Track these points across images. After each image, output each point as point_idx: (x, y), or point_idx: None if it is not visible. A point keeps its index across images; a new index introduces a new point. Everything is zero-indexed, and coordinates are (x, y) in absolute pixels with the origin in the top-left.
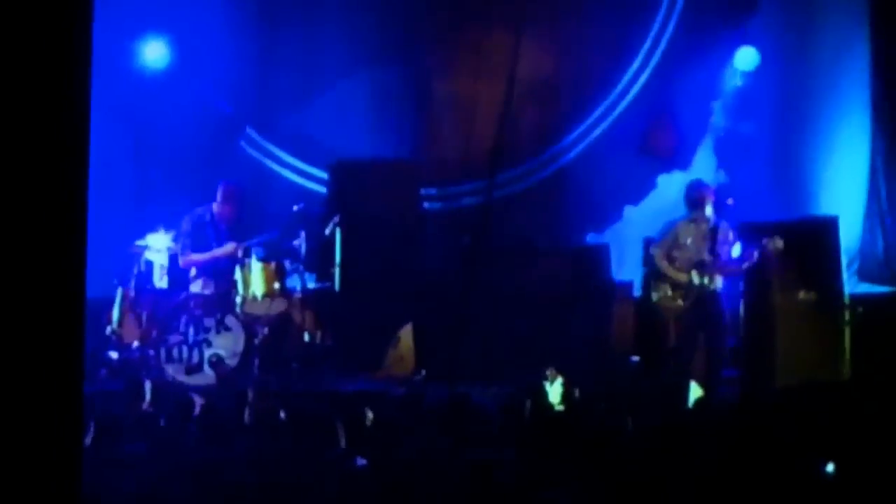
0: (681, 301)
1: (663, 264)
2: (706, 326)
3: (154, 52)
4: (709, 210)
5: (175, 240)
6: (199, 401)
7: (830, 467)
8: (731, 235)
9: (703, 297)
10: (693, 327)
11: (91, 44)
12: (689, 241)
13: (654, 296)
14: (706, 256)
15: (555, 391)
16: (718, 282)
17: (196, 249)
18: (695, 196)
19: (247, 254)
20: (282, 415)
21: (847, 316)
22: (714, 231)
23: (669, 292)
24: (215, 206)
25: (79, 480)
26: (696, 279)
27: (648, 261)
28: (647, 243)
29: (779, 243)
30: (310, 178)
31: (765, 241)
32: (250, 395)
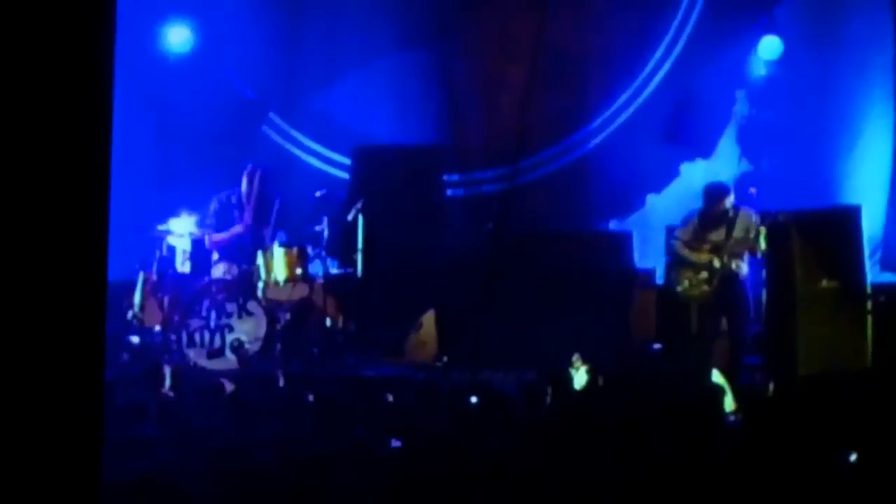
0: (706, 287)
1: (685, 251)
2: (730, 310)
3: (178, 36)
4: (727, 212)
5: (200, 222)
6: (227, 385)
7: (853, 457)
8: (753, 220)
9: (726, 281)
10: (718, 312)
11: (115, 27)
12: (711, 231)
13: (679, 285)
14: (723, 242)
15: (580, 378)
16: (742, 265)
17: (220, 230)
18: (713, 199)
19: (270, 237)
20: (307, 399)
21: (869, 305)
22: (734, 218)
23: (694, 279)
24: (242, 188)
25: (99, 464)
26: (717, 263)
27: (670, 250)
28: (670, 231)
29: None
30: (333, 163)
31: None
32: (279, 378)
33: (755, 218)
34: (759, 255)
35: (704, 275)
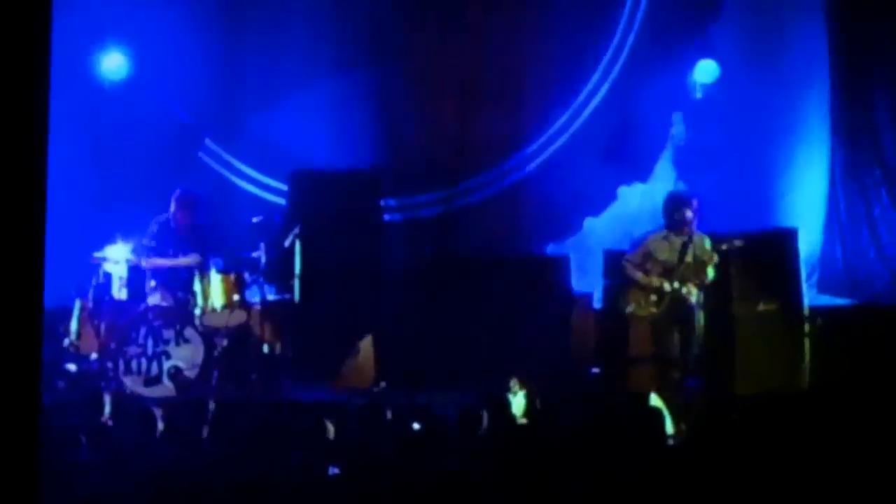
0: (654, 309)
1: (637, 274)
2: (678, 332)
3: (113, 62)
4: (688, 221)
5: (137, 247)
6: (159, 413)
7: (790, 477)
8: (706, 245)
9: (674, 303)
10: (666, 334)
11: (49, 53)
12: (662, 255)
13: (628, 307)
14: (675, 266)
15: (518, 403)
16: (693, 289)
17: (157, 254)
18: (673, 208)
19: (205, 266)
20: (245, 424)
21: (807, 327)
22: (687, 244)
23: (643, 301)
24: (171, 213)
25: (38, 492)
26: (667, 286)
27: (620, 272)
28: (607, 255)
29: (737, 243)
30: (269, 189)
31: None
32: (210, 406)
33: (708, 244)
34: (704, 285)
35: (654, 297)
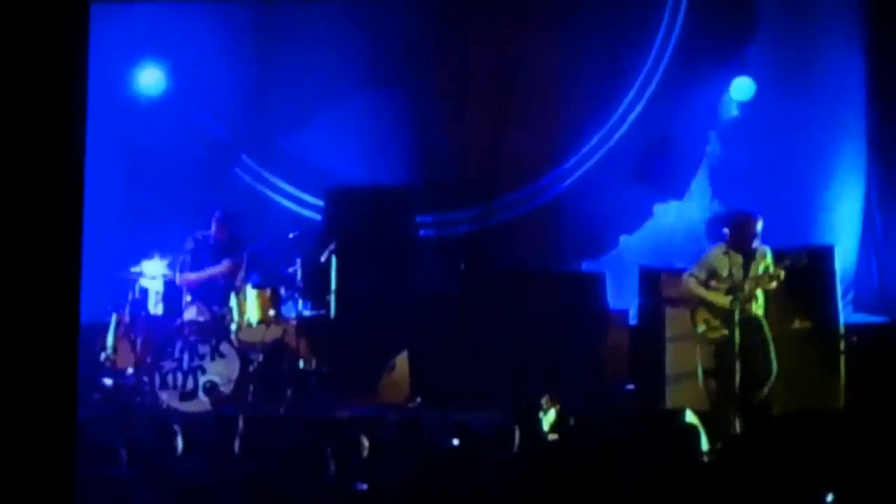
0: (725, 330)
1: (700, 291)
2: (747, 354)
3: (149, 78)
4: (752, 241)
5: (173, 263)
6: (183, 430)
7: (830, 498)
8: (768, 258)
9: (745, 323)
10: (731, 356)
11: (87, 69)
12: (725, 271)
13: (698, 327)
14: (741, 283)
15: (549, 420)
16: (759, 308)
17: (193, 270)
18: (739, 227)
19: (243, 278)
20: (276, 441)
21: (842, 345)
22: (750, 261)
23: (712, 321)
24: (212, 232)
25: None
26: (735, 306)
27: (685, 287)
28: (642, 272)
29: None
30: (305, 205)
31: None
32: (241, 422)
33: (770, 257)
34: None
35: (722, 317)
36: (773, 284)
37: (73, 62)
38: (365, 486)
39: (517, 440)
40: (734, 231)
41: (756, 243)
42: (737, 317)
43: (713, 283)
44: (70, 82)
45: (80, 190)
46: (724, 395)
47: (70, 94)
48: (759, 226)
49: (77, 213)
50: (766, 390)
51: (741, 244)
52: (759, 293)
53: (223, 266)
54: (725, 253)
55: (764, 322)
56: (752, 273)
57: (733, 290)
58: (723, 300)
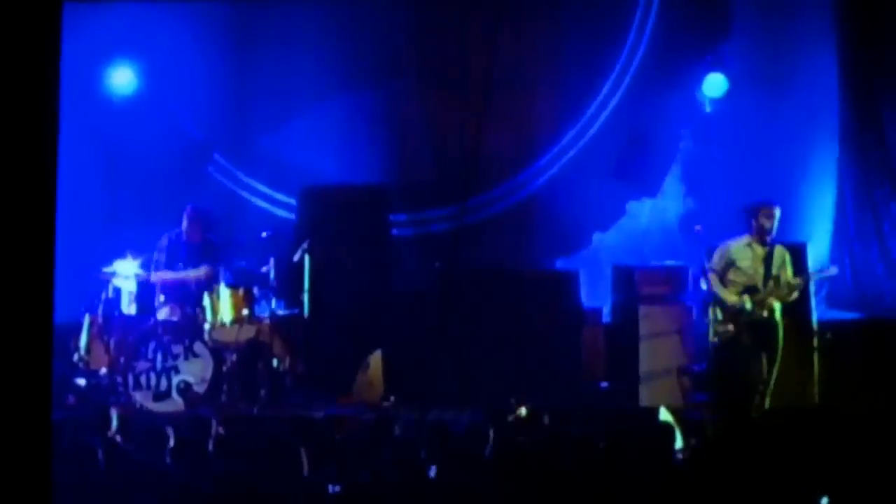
0: (731, 326)
1: (717, 287)
2: (756, 354)
3: (122, 77)
4: (769, 229)
5: (145, 264)
6: (168, 429)
7: (825, 501)
8: (787, 258)
9: (754, 325)
10: (737, 355)
11: (59, 69)
12: (745, 262)
13: (711, 322)
14: (760, 282)
15: (521, 419)
16: (775, 309)
17: (167, 268)
18: (756, 214)
19: (215, 279)
20: (250, 441)
21: (816, 342)
22: (770, 256)
23: (720, 316)
24: (183, 228)
25: None
26: (747, 304)
27: (704, 278)
28: (616, 270)
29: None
30: (279, 204)
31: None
32: (214, 423)
33: (789, 262)
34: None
35: (733, 314)
36: (794, 296)
37: (46, 61)
38: (338, 487)
39: (491, 439)
40: (758, 221)
41: (772, 236)
42: (748, 318)
43: (731, 276)
44: (43, 81)
45: (53, 189)
46: (730, 394)
47: (43, 93)
48: (776, 214)
49: (50, 213)
50: (760, 398)
51: (760, 234)
52: (777, 304)
53: (201, 271)
54: (748, 245)
55: (779, 327)
56: (772, 271)
57: (750, 289)
58: (735, 299)
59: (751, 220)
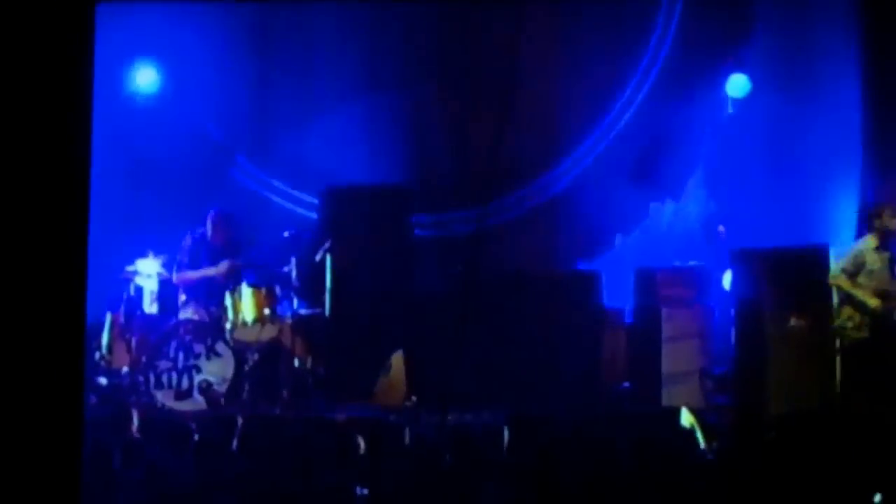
0: (865, 331)
1: (854, 290)
2: (883, 363)
3: (145, 78)
4: (892, 231)
5: (167, 263)
6: (192, 428)
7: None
8: None
9: (888, 330)
10: (869, 360)
11: (92, 70)
12: (876, 266)
13: (838, 321)
14: (889, 285)
15: None
16: None
17: (191, 268)
18: (878, 214)
19: (237, 279)
20: (271, 441)
21: (838, 343)
22: (894, 261)
23: (857, 319)
24: (207, 232)
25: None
26: (880, 309)
27: (833, 278)
28: (638, 272)
29: None
30: (300, 203)
31: None
32: (240, 421)
33: None
34: None
35: (868, 318)
36: None
37: (79, 62)
38: (363, 489)
39: (507, 441)
40: (882, 221)
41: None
42: (882, 322)
43: (861, 278)
44: (76, 83)
45: (86, 191)
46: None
47: (76, 94)
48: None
49: (83, 215)
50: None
51: (887, 236)
52: None
53: (221, 267)
54: (875, 249)
55: None
56: None
57: (884, 294)
58: (872, 301)
59: (874, 221)
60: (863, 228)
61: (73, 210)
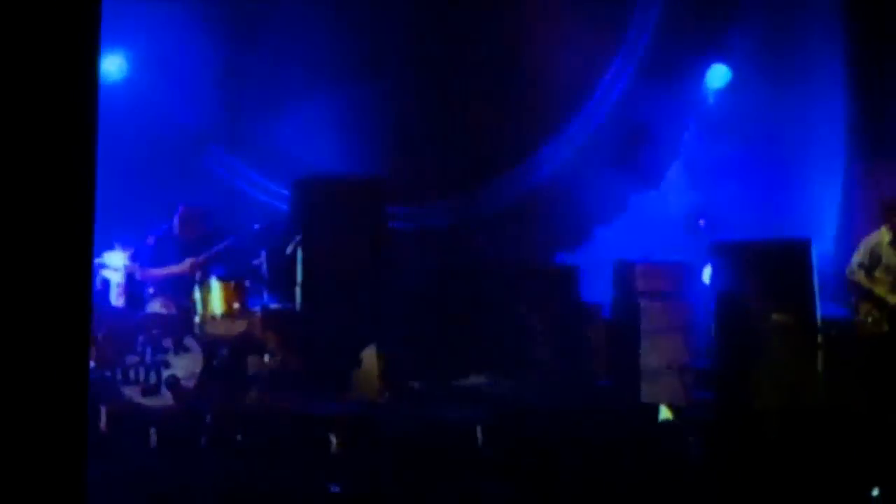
0: (885, 325)
1: (872, 285)
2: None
3: (112, 64)
4: None
5: (133, 255)
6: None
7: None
8: None
9: None
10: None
11: (98, 63)
12: (892, 261)
13: (858, 315)
14: None
15: None
16: None
17: (156, 265)
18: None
19: (205, 273)
20: (240, 437)
21: (820, 338)
22: None
23: (876, 313)
24: (175, 228)
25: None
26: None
27: (850, 273)
28: (617, 265)
29: None
30: (274, 195)
31: None
32: (207, 417)
33: None
34: None
35: (887, 312)
36: None
37: (84, 55)
38: (334, 485)
39: (481, 436)
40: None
41: None
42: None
43: (877, 273)
44: (81, 75)
45: (91, 190)
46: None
47: (81, 88)
48: None
49: (89, 210)
50: None
51: None
52: None
53: (185, 265)
54: (890, 242)
55: None
56: None
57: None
58: (892, 297)
59: (891, 215)
60: (844, 220)
61: (79, 206)
